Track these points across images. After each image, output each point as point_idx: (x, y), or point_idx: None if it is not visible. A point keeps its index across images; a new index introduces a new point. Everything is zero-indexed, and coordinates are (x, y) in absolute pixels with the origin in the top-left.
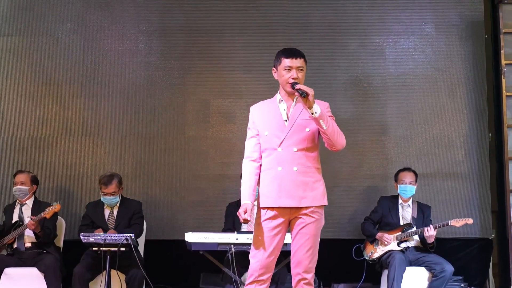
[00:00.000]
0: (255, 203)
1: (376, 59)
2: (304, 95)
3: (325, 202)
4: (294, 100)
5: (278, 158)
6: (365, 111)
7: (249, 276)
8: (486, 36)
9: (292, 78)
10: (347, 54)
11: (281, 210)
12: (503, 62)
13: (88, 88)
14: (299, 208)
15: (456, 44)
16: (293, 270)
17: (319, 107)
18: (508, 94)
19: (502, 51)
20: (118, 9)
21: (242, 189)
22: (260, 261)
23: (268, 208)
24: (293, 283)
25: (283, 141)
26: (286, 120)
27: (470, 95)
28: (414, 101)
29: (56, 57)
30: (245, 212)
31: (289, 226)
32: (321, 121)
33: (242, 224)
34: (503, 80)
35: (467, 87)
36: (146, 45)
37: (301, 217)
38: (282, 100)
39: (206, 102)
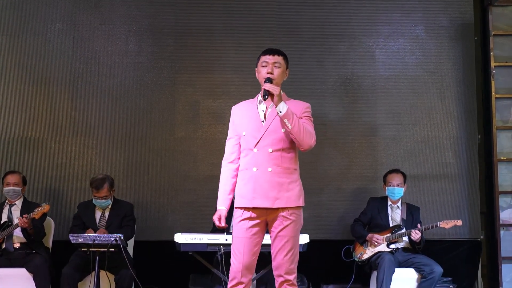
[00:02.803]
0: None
1: (366, 60)
2: (265, 97)
3: (300, 203)
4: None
5: (253, 159)
6: (355, 112)
7: (231, 279)
8: (476, 38)
9: (267, 73)
10: (337, 56)
11: (257, 211)
12: (492, 64)
13: (78, 88)
14: (275, 209)
15: (446, 46)
16: (275, 272)
17: (286, 106)
18: (497, 96)
19: (491, 53)
20: (108, 10)
21: (219, 193)
22: (240, 262)
23: (244, 208)
24: (277, 285)
25: (258, 141)
26: (263, 121)
27: (460, 96)
28: (404, 103)
29: (45, 57)
30: (219, 219)
31: (267, 227)
32: (285, 120)
33: (231, 226)
34: (493, 82)
35: (457, 89)
36: (136, 45)
37: (278, 219)
38: (262, 101)
39: (196, 103)
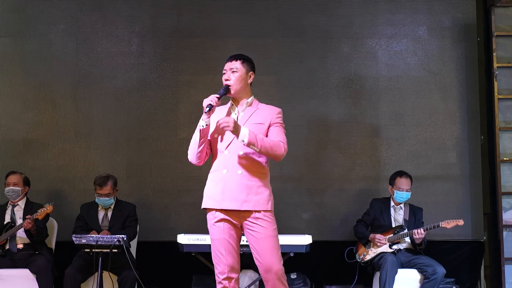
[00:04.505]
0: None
1: (369, 61)
2: (207, 109)
3: (269, 208)
4: (244, 104)
5: (224, 161)
6: (358, 113)
7: (218, 282)
8: (479, 39)
9: (225, 80)
10: (340, 57)
11: (229, 213)
12: (495, 65)
13: (81, 89)
14: (247, 213)
15: (448, 47)
16: (267, 275)
17: (247, 132)
18: (500, 96)
19: (494, 54)
20: (110, 11)
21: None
22: (224, 263)
23: (216, 210)
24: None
25: (229, 144)
26: None
27: (463, 97)
28: (407, 104)
29: (48, 59)
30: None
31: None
32: (251, 146)
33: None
34: (495, 83)
35: (460, 89)
36: (138, 46)
37: (252, 222)
38: (233, 105)
39: (199, 104)
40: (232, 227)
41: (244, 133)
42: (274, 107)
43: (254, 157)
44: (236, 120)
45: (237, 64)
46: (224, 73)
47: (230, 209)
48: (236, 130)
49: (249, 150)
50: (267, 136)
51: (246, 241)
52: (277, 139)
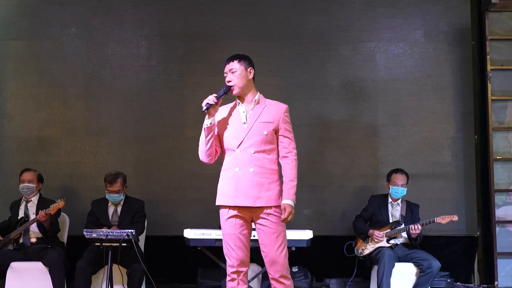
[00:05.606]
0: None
1: (367, 64)
2: (207, 108)
3: (279, 203)
4: (253, 102)
5: (235, 159)
6: (357, 113)
7: (227, 275)
8: (473, 43)
9: (227, 81)
10: (339, 60)
11: (241, 209)
12: (488, 67)
13: (91, 90)
14: (259, 208)
15: (444, 50)
16: (271, 268)
17: (291, 202)
18: (493, 98)
19: (488, 57)
20: (120, 15)
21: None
22: (234, 257)
23: (229, 207)
24: (275, 284)
25: (241, 143)
26: (245, 123)
27: (457, 99)
28: (404, 104)
29: (60, 60)
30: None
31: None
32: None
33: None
34: (489, 85)
35: (455, 91)
36: (147, 49)
37: (263, 217)
38: (240, 103)
39: None
40: (244, 223)
41: (289, 205)
42: (281, 103)
43: (265, 155)
44: (246, 119)
45: (234, 64)
46: (225, 76)
47: (243, 205)
48: (290, 217)
49: (260, 148)
50: (277, 139)
51: (253, 236)
52: (289, 149)
